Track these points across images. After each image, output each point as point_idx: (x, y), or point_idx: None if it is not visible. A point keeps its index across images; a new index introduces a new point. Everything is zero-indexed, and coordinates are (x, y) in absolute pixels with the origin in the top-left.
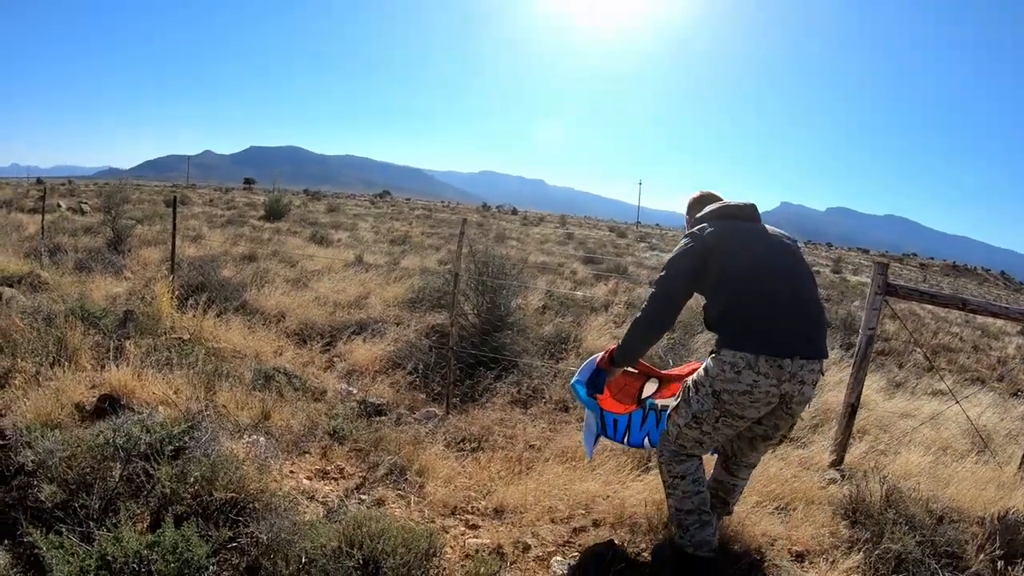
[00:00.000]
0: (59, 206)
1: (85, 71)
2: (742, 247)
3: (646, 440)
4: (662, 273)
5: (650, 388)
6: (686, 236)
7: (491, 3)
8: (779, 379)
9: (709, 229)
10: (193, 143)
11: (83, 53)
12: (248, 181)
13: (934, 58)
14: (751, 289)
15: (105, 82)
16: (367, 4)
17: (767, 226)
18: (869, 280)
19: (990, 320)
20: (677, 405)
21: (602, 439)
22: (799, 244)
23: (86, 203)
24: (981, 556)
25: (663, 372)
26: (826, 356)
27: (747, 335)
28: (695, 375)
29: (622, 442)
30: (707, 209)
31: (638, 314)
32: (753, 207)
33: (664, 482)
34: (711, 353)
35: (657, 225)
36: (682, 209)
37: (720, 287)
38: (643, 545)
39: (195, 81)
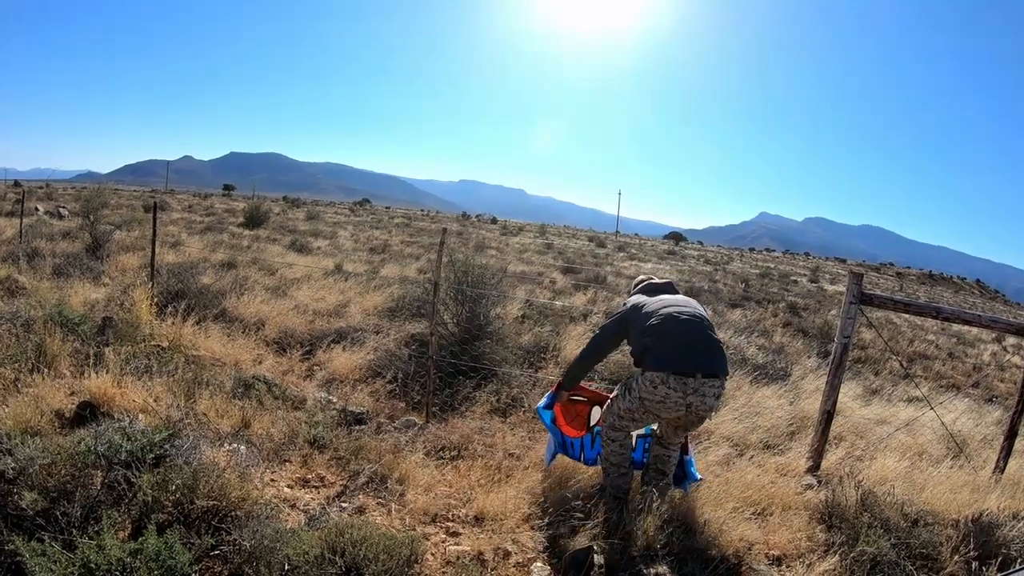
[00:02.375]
0: (37, 210)
1: (65, 73)
2: (659, 306)
3: (598, 458)
4: (598, 330)
5: (596, 415)
6: (620, 310)
7: (472, 14)
8: (684, 392)
9: (632, 303)
10: (173, 148)
11: (63, 55)
12: (228, 187)
13: (910, 71)
14: (663, 332)
15: (84, 84)
16: (349, 13)
17: (678, 293)
18: (845, 289)
19: (965, 328)
20: (616, 395)
21: (560, 455)
22: (705, 311)
23: (64, 207)
24: (955, 557)
25: (605, 395)
26: (724, 374)
27: (661, 361)
28: (629, 380)
29: (579, 459)
30: (640, 286)
31: (580, 350)
32: (668, 283)
33: (603, 443)
34: (640, 374)
35: (636, 235)
36: (661, 219)
37: (642, 334)
38: (618, 551)
39: (176, 86)
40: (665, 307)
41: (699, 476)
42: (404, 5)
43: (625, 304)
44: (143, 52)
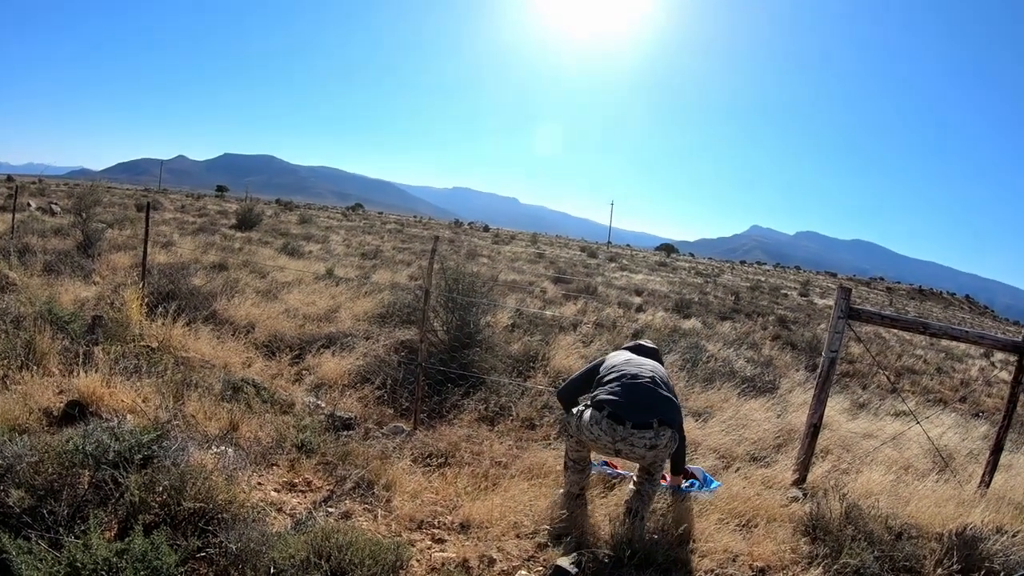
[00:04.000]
0: (29, 205)
1: (60, 69)
2: (618, 363)
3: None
4: (576, 373)
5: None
6: (596, 359)
7: (470, 22)
8: (613, 438)
9: (608, 358)
10: (167, 147)
11: (59, 52)
12: (221, 188)
13: (901, 86)
14: (615, 382)
15: (80, 81)
16: (346, 16)
17: (650, 359)
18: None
19: (954, 343)
20: (570, 413)
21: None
22: (662, 373)
23: (56, 204)
24: (939, 571)
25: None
26: (660, 424)
27: (600, 404)
28: (581, 406)
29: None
30: (626, 346)
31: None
32: (654, 349)
33: (565, 443)
34: (587, 407)
35: (628, 245)
36: (653, 230)
37: (600, 383)
38: (604, 560)
39: (171, 85)
40: (625, 361)
41: (716, 483)
42: (402, 12)
43: (601, 358)
44: (140, 51)
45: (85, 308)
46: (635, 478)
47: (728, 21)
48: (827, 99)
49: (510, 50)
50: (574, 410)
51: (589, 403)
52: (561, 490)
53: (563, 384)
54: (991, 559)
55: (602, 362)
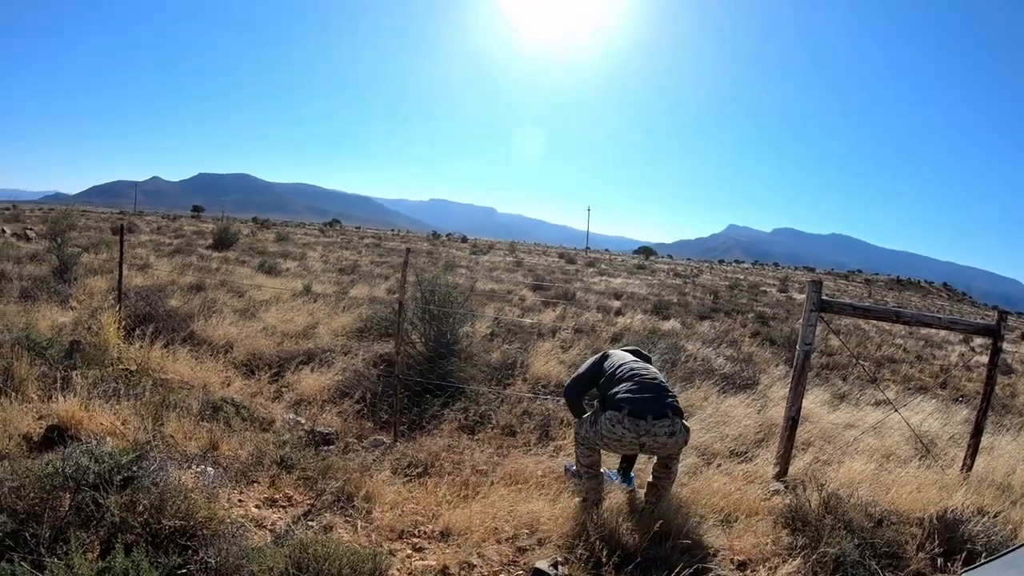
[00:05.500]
0: (3, 231)
1: (30, 93)
2: (624, 363)
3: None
4: (580, 370)
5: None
6: (593, 357)
7: (440, 34)
8: (638, 433)
9: (606, 358)
10: (141, 169)
11: (28, 75)
12: (196, 209)
13: (873, 80)
14: (625, 380)
15: (51, 104)
16: (318, 32)
17: (639, 358)
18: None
19: (933, 331)
20: (581, 421)
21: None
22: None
23: (31, 229)
24: (920, 554)
25: None
26: (673, 414)
27: (619, 404)
28: (596, 413)
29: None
30: (625, 348)
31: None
32: (639, 352)
33: (576, 450)
34: (602, 411)
35: (606, 250)
36: (631, 233)
37: (610, 383)
38: (583, 561)
39: (144, 106)
40: (632, 361)
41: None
42: (373, 27)
43: (600, 357)
44: (112, 73)
45: (63, 333)
46: (653, 473)
47: (698, 21)
48: (798, 96)
49: (483, 60)
50: (585, 416)
51: (605, 406)
52: (578, 499)
53: (570, 382)
54: (973, 540)
55: (606, 357)
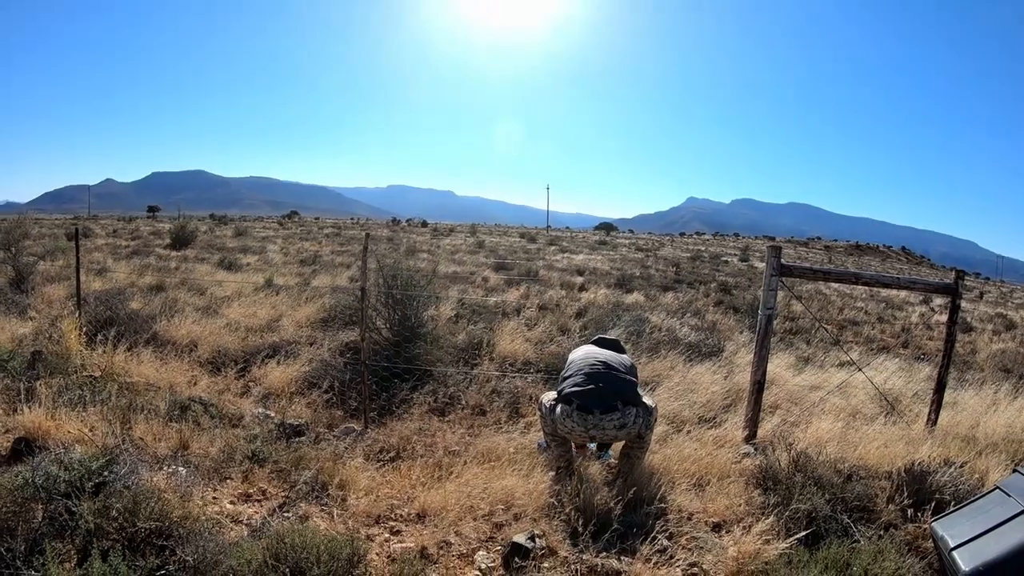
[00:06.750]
0: None
1: None
2: (586, 355)
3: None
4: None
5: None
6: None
7: (387, 19)
8: (586, 427)
9: (571, 353)
10: (93, 172)
11: None
12: (152, 209)
13: (821, 44)
14: (577, 374)
15: None
16: (263, 20)
17: (610, 350)
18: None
19: (893, 293)
20: (543, 408)
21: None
22: (622, 359)
23: None
24: (891, 506)
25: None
26: (624, 404)
27: (570, 398)
28: (548, 401)
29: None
30: (591, 340)
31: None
32: (603, 339)
33: (542, 427)
34: (557, 403)
35: (567, 228)
36: (591, 210)
37: (565, 375)
38: (560, 532)
39: (92, 107)
40: (584, 355)
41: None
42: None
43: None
44: (57, 76)
45: (24, 344)
46: (624, 444)
47: None
48: (753, 67)
49: (433, 43)
50: (544, 401)
51: (557, 398)
52: (551, 472)
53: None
54: (941, 490)
55: (576, 349)
